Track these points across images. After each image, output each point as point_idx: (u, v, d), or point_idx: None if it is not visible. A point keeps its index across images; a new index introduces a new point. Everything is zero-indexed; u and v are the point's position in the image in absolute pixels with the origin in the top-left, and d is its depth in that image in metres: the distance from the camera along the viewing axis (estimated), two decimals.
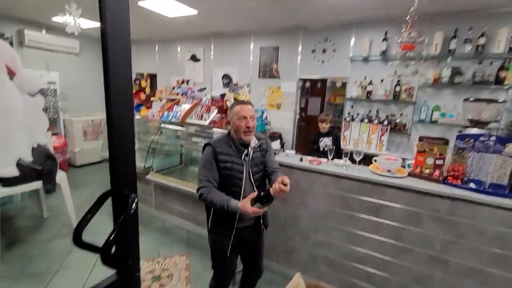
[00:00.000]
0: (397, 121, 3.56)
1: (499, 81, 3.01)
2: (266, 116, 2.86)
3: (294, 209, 2.34)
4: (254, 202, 1.43)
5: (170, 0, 3.37)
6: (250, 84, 4.87)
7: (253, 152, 1.61)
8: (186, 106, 3.37)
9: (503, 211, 1.66)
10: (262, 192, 1.45)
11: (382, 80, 3.61)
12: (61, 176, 2.95)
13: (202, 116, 3.16)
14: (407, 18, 2.43)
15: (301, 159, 2.34)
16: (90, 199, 3.75)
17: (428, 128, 3.46)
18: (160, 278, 2.39)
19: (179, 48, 5.64)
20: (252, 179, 1.60)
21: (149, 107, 3.80)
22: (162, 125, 3.41)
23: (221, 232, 1.64)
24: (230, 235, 1.62)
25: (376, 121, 3.59)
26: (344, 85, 4.04)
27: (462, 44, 3.15)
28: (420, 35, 3.21)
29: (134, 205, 0.77)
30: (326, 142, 3.01)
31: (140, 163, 3.36)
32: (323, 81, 4.36)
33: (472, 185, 1.82)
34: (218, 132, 3.34)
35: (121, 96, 0.68)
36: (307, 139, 5.81)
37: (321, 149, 3.02)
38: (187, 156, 3.84)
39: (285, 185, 1.36)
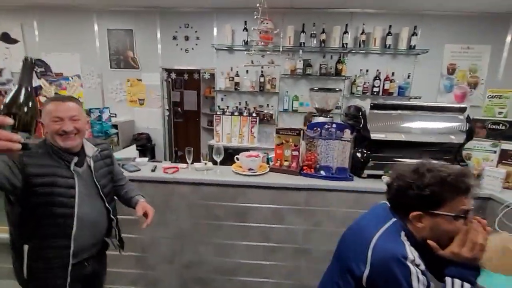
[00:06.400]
0: (265, 112, 3.62)
1: (337, 72, 3.49)
2: (109, 117, 2.18)
3: (153, 232, 1.86)
4: None
5: None
6: (101, 75, 3.89)
7: (94, 162, 1.26)
8: None
9: (346, 193, 1.78)
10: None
11: (247, 71, 3.56)
12: None
13: None
14: (258, 5, 2.40)
15: (153, 169, 1.88)
16: None
17: (291, 117, 3.70)
18: None
19: None
20: (102, 193, 1.24)
21: None
22: None
23: (49, 275, 1.15)
24: (65, 275, 1.16)
25: (246, 113, 3.53)
26: (212, 76, 3.78)
27: (310, 38, 3.46)
28: (276, 28, 3.29)
29: None
30: None
31: None
32: (191, 72, 3.97)
33: (322, 172, 1.88)
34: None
35: None
36: (188, 136, 5.35)
37: None
38: None
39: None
